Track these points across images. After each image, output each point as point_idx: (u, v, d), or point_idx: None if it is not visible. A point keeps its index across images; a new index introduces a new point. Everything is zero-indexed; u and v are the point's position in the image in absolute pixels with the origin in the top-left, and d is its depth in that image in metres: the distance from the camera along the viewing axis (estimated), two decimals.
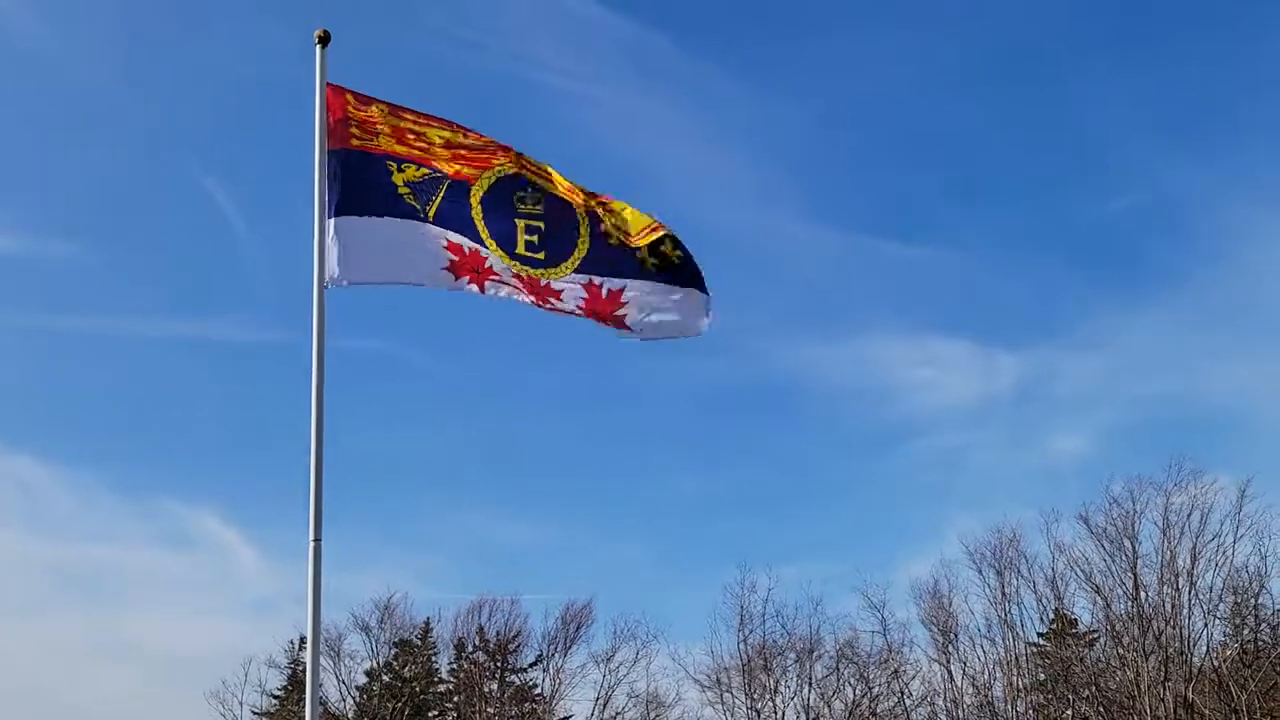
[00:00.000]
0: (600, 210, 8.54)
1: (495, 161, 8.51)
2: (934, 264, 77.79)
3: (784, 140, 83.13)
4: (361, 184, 8.32)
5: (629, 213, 8.56)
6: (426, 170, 8.44)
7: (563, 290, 8.50)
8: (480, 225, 8.48)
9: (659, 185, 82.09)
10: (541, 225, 8.51)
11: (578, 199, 8.48)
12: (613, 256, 8.54)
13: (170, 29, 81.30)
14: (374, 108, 8.49)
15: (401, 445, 73.87)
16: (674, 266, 8.59)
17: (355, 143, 8.38)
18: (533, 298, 8.50)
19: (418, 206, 8.40)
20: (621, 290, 8.56)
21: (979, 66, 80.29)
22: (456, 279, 8.44)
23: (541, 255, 8.50)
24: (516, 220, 8.51)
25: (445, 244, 8.40)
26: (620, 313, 8.57)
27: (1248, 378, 67.82)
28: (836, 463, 74.13)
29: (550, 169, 8.57)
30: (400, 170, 8.42)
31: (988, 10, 78.69)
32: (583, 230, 8.55)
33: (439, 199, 8.44)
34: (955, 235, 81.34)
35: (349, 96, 8.46)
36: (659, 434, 76.87)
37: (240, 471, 75.23)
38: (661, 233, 8.52)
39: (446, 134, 8.51)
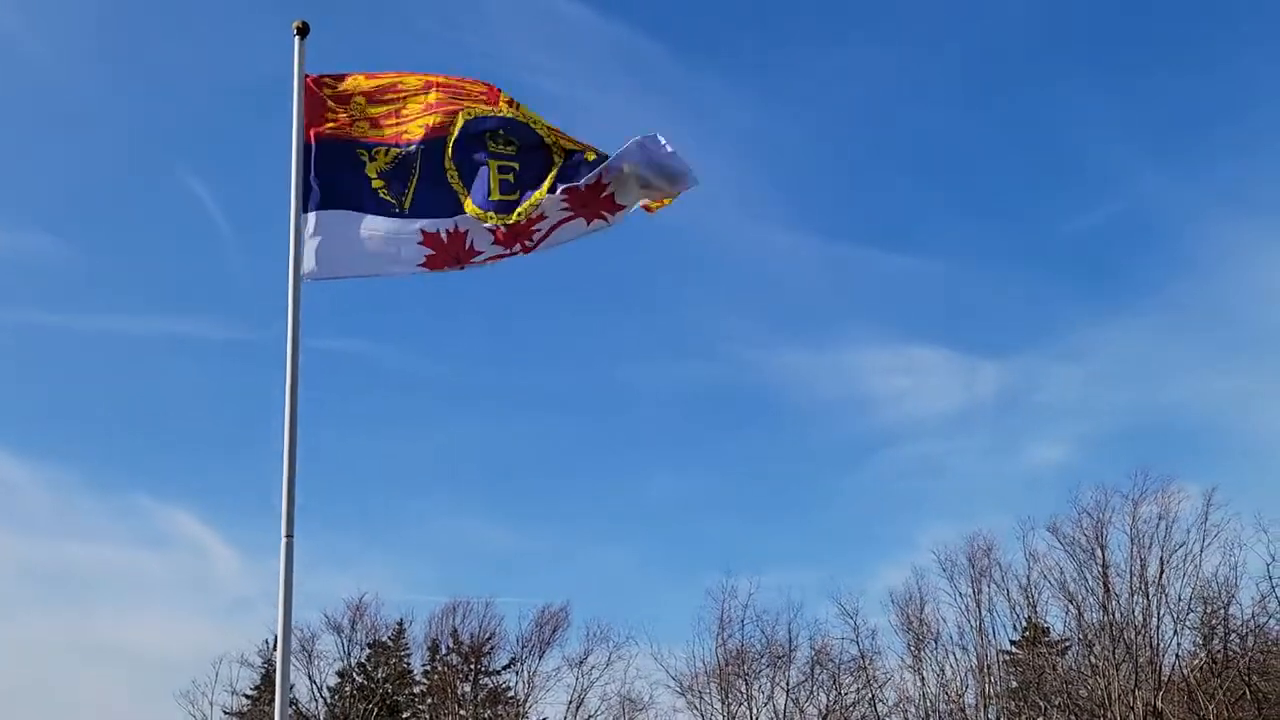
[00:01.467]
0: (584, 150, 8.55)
1: (470, 104, 8.49)
2: (916, 273, 78.35)
3: (771, 148, 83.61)
4: (337, 177, 8.29)
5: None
6: (398, 150, 8.39)
7: (542, 205, 8.39)
8: (459, 187, 8.42)
9: None
10: (515, 165, 8.47)
11: (558, 141, 8.51)
12: (586, 164, 8.50)
13: (153, 26, 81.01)
14: (349, 80, 8.48)
15: (380, 446, 73.78)
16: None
17: (329, 127, 8.34)
18: (518, 245, 8.43)
19: (392, 200, 8.36)
20: (599, 177, 8.43)
21: (964, 80, 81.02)
22: (432, 271, 8.41)
23: (515, 195, 8.43)
24: (490, 162, 8.45)
25: (421, 238, 8.35)
26: (607, 194, 8.48)
27: (1224, 389, 68.63)
28: (816, 469, 74.54)
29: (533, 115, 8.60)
30: (373, 159, 8.38)
31: (974, 25, 79.40)
32: (557, 159, 8.52)
33: (414, 182, 8.40)
34: (938, 245, 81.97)
35: (326, 79, 8.44)
36: (639, 438, 77.01)
37: (218, 470, 74.82)
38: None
39: (427, 77, 8.52)
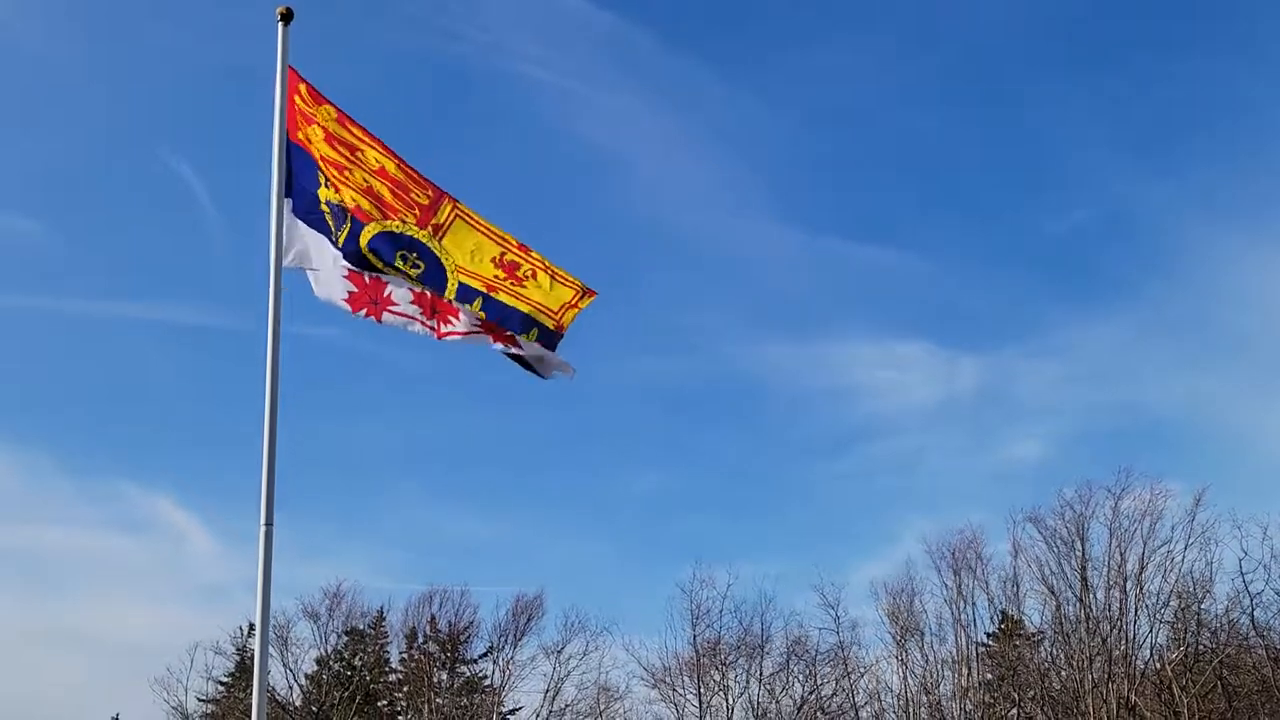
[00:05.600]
0: (501, 292, 8.52)
1: (400, 217, 8.48)
2: (899, 268, 78.61)
3: (759, 143, 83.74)
4: (302, 184, 8.35)
5: (555, 287, 8.56)
6: (337, 197, 8.42)
7: (460, 310, 8.52)
8: (373, 259, 8.45)
9: (633, 182, 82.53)
10: (420, 287, 8.53)
11: (483, 275, 8.49)
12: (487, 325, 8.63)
13: (139, 5, 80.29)
14: (323, 109, 8.41)
15: (359, 435, 73.57)
16: (550, 334, 8.64)
17: (300, 136, 8.34)
18: (431, 323, 8.50)
19: (332, 228, 8.41)
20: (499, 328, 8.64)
21: (951, 80, 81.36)
22: (354, 311, 8.44)
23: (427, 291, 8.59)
24: (401, 267, 8.49)
25: (346, 271, 8.42)
26: (508, 333, 8.61)
27: (1200, 389, 69.18)
28: (797, 462, 74.70)
29: (476, 221, 8.58)
30: (326, 185, 8.41)
31: (960, 26, 79.70)
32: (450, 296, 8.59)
33: (345, 232, 8.43)
34: (921, 241, 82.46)
35: (302, 88, 8.37)
36: (620, 431, 76.92)
37: (199, 456, 74.55)
38: (580, 308, 8.60)
39: (384, 161, 8.48)
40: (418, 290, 8.48)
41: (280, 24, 8.28)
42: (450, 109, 79.93)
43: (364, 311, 8.46)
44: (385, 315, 8.50)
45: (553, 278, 8.57)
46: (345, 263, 8.39)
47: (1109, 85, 78.54)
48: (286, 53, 8.28)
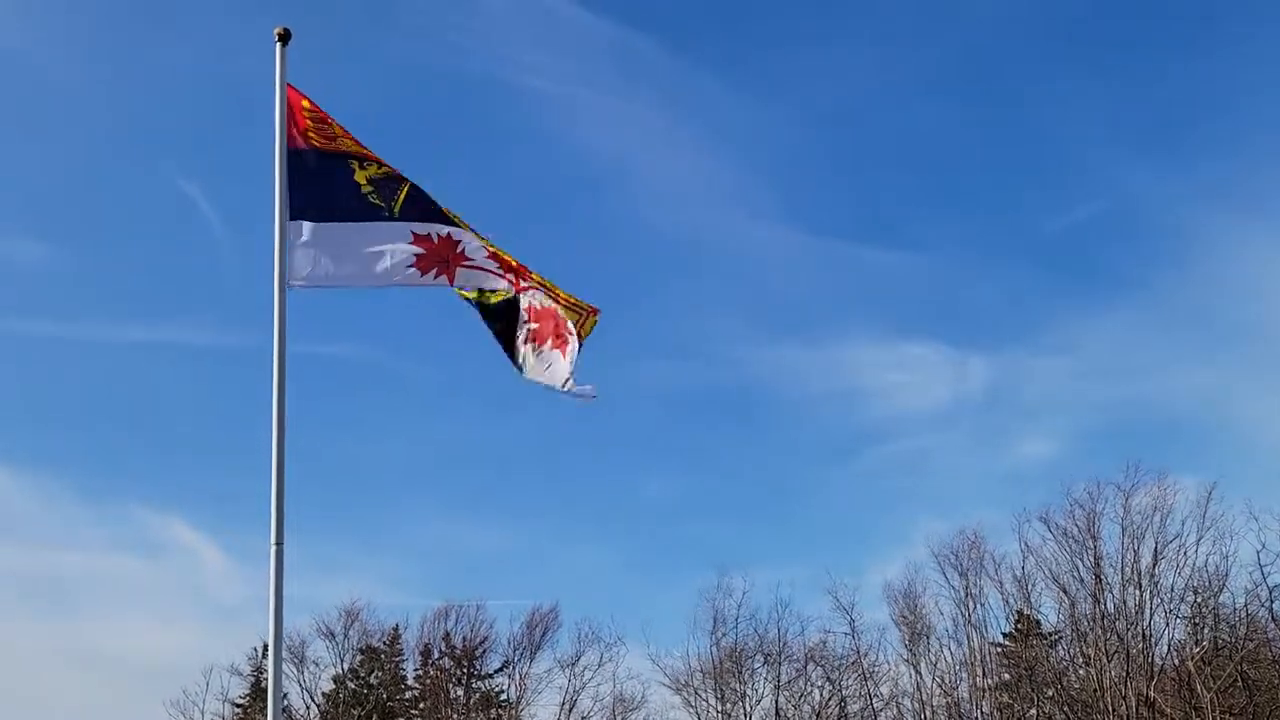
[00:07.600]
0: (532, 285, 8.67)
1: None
2: (906, 268, 78.36)
3: (762, 145, 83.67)
4: (324, 187, 8.27)
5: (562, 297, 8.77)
6: (388, 170, 8.43)
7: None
8: (448, 212, 8.50)
9: (637, 187, 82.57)
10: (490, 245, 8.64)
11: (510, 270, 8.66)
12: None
13: (143, 24, 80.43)
14: (337, 127, 8.48)
15: (369, 451, 73.54)
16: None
17: (315, 142, 8.32)
18: (509, 278, 8.47)
19: (382, 204, 8.37)
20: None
21: (953, 76, 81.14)
22: (423, 274, 8.39)
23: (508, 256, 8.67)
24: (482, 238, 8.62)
25: (411, 238, 8.36)
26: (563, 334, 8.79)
27: (1209, 382, 68.88)
28: (807, 466, 74.49)
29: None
30: (363, 167, 8.39)
31: (962, 21, 79.47)
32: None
33: (403, 194, 8.41)
34: (927, 240, 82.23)
35: (306, 102, 8.40)
36: (628, 438, 76.74)
37: (211, 477, 74.39)
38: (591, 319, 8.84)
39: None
40: (491, 248, 8.44)
41: (278, 44, 8.32)
42: (451, 119, 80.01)
43: (435, 271, 8.37)
44: (459, 272, 8.42)
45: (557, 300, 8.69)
46: (408, 224, 8.32)
47: (1112, 81, 78.57)
48: (285, 73, 8.32)
